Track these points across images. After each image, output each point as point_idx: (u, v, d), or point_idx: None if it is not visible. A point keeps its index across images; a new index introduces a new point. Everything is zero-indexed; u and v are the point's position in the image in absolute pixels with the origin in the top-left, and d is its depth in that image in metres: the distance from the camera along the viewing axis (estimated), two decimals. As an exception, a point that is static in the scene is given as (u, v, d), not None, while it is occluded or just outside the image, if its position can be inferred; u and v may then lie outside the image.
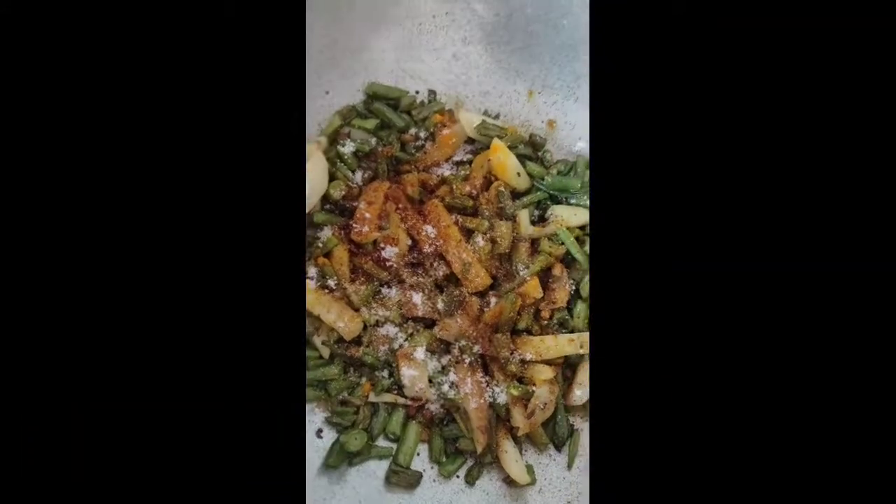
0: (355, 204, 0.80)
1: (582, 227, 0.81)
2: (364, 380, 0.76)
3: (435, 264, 0.79)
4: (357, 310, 0.76)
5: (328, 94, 0.85)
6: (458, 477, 0.74)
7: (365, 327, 0.76)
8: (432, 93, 0.88)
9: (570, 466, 0.76)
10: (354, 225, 0.78)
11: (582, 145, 0.87)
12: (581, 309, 0.78)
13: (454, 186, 0.81)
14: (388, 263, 0.78)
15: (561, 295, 0.77)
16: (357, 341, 0.76)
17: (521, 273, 0.78)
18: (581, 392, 0.76)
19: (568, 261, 0.80)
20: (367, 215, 0.78)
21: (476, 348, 0.75)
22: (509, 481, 0.74)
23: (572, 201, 0.82)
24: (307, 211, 0.79)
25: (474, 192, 0.82)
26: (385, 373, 0.76)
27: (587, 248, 0.79)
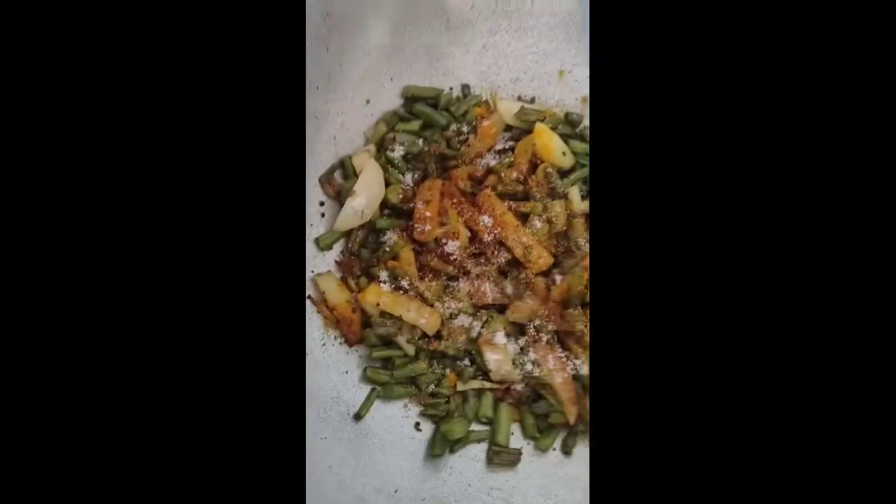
0: (412, 205, 0.82)
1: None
2: (448, 371, 0.79)
3: (496, 252, 0.81)
4: (432, 305, 0.80)
5: (369, 102, 0.87)
6: (554, 449, 0.78)
7: (441, 321, 0.80)
8: (466, 87, 0.90)
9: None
10: (416, 225, 0.81)
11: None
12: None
13: (502, 175, 0.84)
14: (452, 257, 0.81)
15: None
16: (437, 335, 0.79)
17: (582, 247, 0.81)
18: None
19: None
20: (427, 214, 0.81)
21: (550, 326, 0.79)
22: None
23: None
24: (370, 219, 0.83)
25: (521, 176, 0.85)
26: (466, 361, 0.79)
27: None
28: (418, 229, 0.81)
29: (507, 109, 0.87)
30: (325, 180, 0.85)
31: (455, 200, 0.83)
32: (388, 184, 0.84)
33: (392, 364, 0.79)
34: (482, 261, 0.82)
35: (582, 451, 0.77)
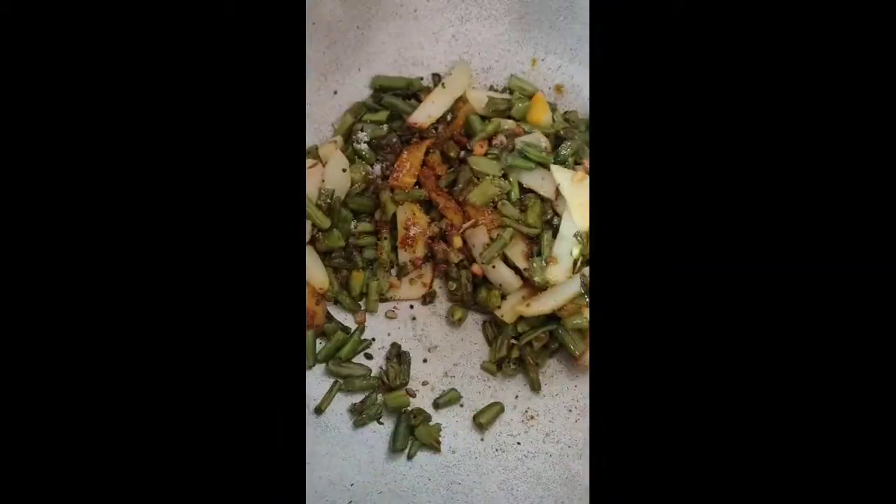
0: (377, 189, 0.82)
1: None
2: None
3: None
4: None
5: (336, 94, 0.86)
6: (519, 444, 0.77)
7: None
8: (437, 76, 0.89)
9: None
10: (395, 173, 0.80)
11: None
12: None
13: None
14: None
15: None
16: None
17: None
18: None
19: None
20: (408, 166, 0.81)
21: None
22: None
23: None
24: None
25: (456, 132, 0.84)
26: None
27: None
28: (394, 176, 0.80)
29: (478, 100, 0.85)
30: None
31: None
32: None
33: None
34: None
35: (544, 447, 0.76)
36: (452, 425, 0.77)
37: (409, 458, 0.74)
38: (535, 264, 0.76)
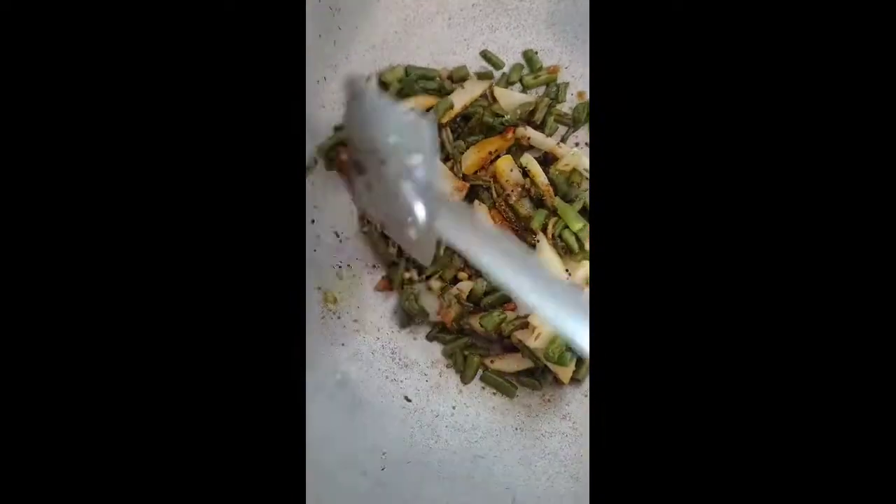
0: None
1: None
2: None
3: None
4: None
5: (372, 94, 0.92)
6: (531, 429, 0.83)
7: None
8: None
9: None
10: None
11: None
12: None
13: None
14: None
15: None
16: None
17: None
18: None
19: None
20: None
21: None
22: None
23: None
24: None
25: None
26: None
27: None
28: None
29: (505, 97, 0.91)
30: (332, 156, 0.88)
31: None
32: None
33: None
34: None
35: (560, 425, 0.82)
36: (476, 405, 0.83)
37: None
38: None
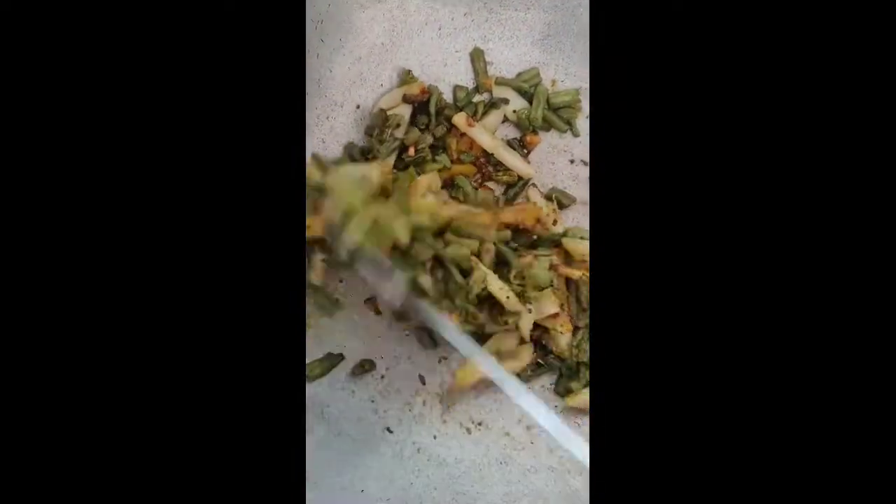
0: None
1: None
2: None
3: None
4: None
5: (359, 108, 0.88)
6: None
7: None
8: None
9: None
10: None
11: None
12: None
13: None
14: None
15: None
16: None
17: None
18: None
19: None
20: None
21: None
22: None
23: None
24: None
25: None
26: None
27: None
28: None
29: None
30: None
31: None
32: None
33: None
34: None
35: (546, 461, 0.79)
36: (459, 437, 0.80)
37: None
38: None
